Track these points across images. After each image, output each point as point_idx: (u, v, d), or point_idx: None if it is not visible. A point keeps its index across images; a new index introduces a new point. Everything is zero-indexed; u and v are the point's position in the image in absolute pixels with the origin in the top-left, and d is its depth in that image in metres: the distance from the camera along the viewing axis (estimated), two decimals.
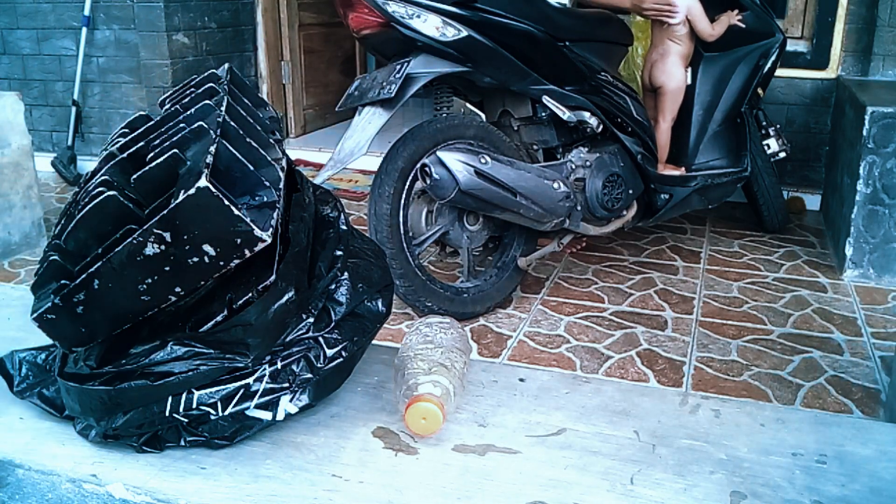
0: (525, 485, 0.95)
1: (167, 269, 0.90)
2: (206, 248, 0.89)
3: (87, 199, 0.96)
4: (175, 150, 0.94)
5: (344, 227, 1.14)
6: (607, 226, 2.41)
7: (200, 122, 0.97)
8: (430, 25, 1.99)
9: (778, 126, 2.92)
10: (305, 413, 1.05)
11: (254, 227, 0.88)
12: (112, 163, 1.02)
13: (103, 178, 0.98)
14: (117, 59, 3.72)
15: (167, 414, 0.98)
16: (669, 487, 0.95)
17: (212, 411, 0.98)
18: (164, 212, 0.87)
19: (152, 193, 0.95)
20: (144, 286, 0.92)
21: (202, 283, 0.93)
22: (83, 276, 0.92)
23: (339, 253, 1.10)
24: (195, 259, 0.90)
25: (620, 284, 2.52)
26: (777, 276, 2.59)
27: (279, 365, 1.01)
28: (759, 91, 2.73)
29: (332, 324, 1.06)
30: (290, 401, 1.01)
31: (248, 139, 0.98)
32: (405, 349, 1.12)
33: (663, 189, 2.51)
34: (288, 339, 1.02)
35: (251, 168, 0.94)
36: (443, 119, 2.15)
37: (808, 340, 2.13)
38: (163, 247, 0.88)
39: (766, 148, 2.85)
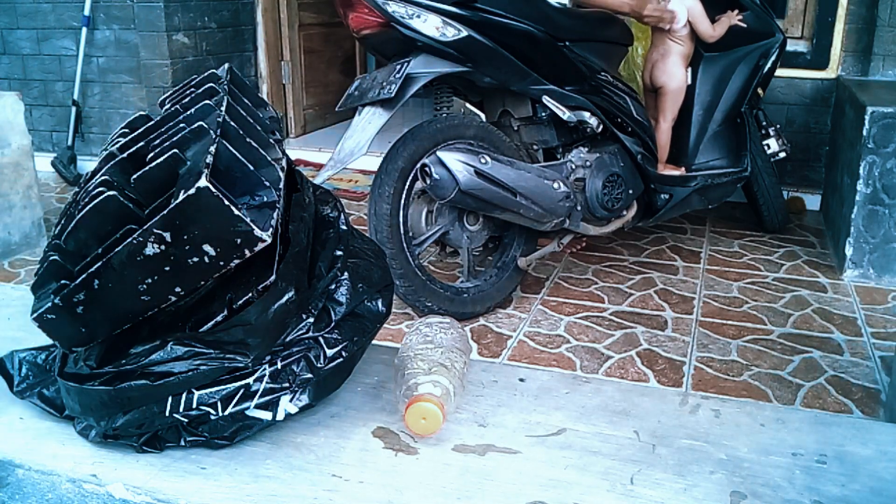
0: (525, 485, 0.95)
1: (167, 269, 0.90)
2: (206, 248, 0.89)
3: (87, 199, 0.96)
4: (175, 150, 0.94)
5: (344, 227, 1.14)
6: (607, 226, 2.41)
7: (200, 122, 0.97)
8: (430, 25, 1.99)
9: (778, 126, 2.92)
10: (305, 413, 1.05)
11: (254, 227, 0.88)
12: (112, 163, 1.02)
13: (103, 178, 0.98)
14: (117, 59, 3.72)
15: (167, 414, 0.98)
16: (669, 487, 0.95)
17: (212, 411, 0.98)
18: (164, 212, 0.87)
19: (152, 193, 0.95)
20: (144, 286, 0.92)
21: (202, 283, 0.93)
22: (83, 276, 0.92)
23: (339, 253, 1.10)
24: (195, 259, 0.90)
25: (620, 284, 2.52)
26: (777, 276, 2.59)
27: (279, 365, 1.01)
28: (759, 91, 2.73)
29: (332, 324, 1.06)
30: (290, 401, 1.01)
31: (248, 139, 0.98)
32: (405, 349, 1.12)
33: (663, 189, 2.51)
34: (288, 339, 1.02)
35: (251, 168, 0.94)
36: (443, 119, 2.15)
37: (808, 340, 2.13)
38: (163, 247, 0.88)
39: (766, 148, 2.85)
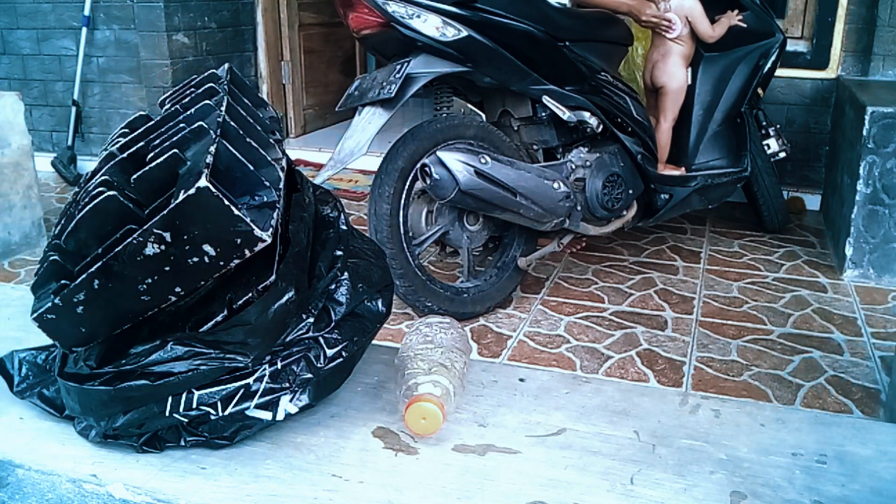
0: (525, 485, 0.95)
1: (167, 269, 0.90)
2: (206, 248, 0.89)
3: (87, 199, 0.96)
4: (175, 150, 0.94)
5: (344, 227, 1.14)
6: (607, 226, 2.41)
7: (200, 122, 0.97)
8: (430, 25, 1.99)
9: (778, 126, 2.92)
10: (305, 413, 1.05)
11: (254, 227, 0.88)
12: (112, 163, 1.02)
13: (103, 178, 0.98)
14: (117, 59, 3.72)
15: (167, 414, 0.98)
16: (669, 487, 0.95)
17: (212, 411, 0.98)
18: (164, 212, 0.87)
19: (152, 193, 0.95)
20: (144, 286, 0.92)
21: (202, 283, 0.93)
22: (83, 276, 0.92)
23: (339, 253, 1.10)
24: (195, 259, 0.90)
25: (620, 284, 2.52)
26: (777, 276, 2.59)
27: (279, 365, 1.01)
28: (759, 91, 2.73)
29: (332, 324, 1.06)
30: (290, 401, 1.01)
31: (248, 139, 0.98)
32: (405, 349, 1.12)
33: (663, 189, 2.51)
34: (288, 339, 1.02)
35: (251, 168, 0.94)
36: (443, 119, 2.15)
37: (808, 340, 2.13)
38: (163, 247, 0.88)
39: (766, 148, 2.85)
